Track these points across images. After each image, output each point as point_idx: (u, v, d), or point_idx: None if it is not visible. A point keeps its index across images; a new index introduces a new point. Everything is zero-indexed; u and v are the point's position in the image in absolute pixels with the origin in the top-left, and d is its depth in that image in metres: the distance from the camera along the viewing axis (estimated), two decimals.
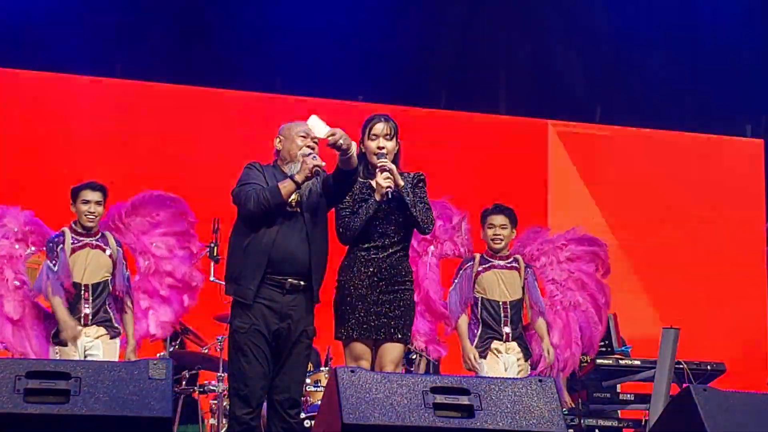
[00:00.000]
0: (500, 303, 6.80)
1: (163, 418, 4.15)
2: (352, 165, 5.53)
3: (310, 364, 8.31)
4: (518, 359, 6.75)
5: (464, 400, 4.43)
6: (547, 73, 11.35)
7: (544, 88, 11.35)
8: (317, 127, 5.57)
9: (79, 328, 6.61)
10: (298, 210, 5.54)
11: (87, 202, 6.75)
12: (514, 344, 6.77)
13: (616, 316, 8.34)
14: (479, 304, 6.82)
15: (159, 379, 4.20)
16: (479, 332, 6.77)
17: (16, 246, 6.86)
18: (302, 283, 5.50)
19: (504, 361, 6.73)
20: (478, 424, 4.38)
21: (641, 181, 11.20)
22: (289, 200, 5.49)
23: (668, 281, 10.87)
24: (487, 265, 6.88)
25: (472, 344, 6.77)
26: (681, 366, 7.84)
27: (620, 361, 8.13)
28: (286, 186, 5.44)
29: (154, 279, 7.06)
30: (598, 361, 8.01)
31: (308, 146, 5.59)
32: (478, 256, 6.94)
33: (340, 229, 5.70)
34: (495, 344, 6.75)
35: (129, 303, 6.84)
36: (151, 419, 4.13)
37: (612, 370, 8.10)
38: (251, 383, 5.38)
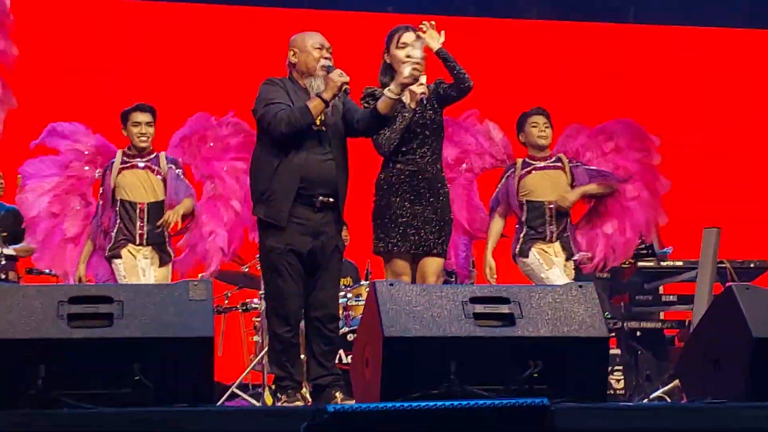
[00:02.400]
0: (545, 203, 6.75)
1: (205, 338, 4.18)
2: (389, 111, 5.48)
3: (350, 278, 8.40)
4: (563, 258, 6.72)
5: (504, 308, 4.43)
6: None
7: None
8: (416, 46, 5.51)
9: (133, 248, 6.65)
10: (323, 128, 5.51)
11: (138, 123, 6.76)
12: (557, 245, 6.74)
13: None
14: (524, 207, 6.78)
15: (200, 300, 4.22)
16: (522, 234, 6.74)
17: (86, 168, 6.92)
18: (331, 199, 5.49)
19: (550, 256, 6.70)
20: (519, 332, 4.39)
21: (681, 79, 11.04)
22: None
23: (710, 180, 10.76)
24: (529, 168, 6.84)
25: (515, 247, 6.74)
26: (724, 265, 7.79)
27: (662, 263, 8.10)
28: (315, 105, 5.38)
29: (220, 204, 7.05)
30: (640, 263, 7.99)
31: (325, 57, 5.53)
32: (520, 160, 6.90)
33: (377, 142, 5.68)
34: (537, 245, 6.72)
35: (188, 202, 6.86)
36: (194, 339, 4.16)
37: (654, 272, 8.07)
38: (289, 302, 5.40)
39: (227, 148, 7.10)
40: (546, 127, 6.84)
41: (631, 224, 7.06)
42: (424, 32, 5.75)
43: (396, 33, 5.77)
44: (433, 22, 5.81)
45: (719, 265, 7.70)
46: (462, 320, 4.35)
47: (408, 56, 5.54)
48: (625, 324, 7.87)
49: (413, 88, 5.59)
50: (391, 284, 4.41)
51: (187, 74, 9.98)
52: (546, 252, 6.69)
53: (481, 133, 7.10)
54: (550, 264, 6.61)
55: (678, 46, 11.17)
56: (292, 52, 5.60)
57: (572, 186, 6.83)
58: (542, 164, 6.84)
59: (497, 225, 6.83)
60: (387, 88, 5.47)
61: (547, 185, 6.79)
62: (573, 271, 6.78)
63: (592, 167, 6.94)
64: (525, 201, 6.77)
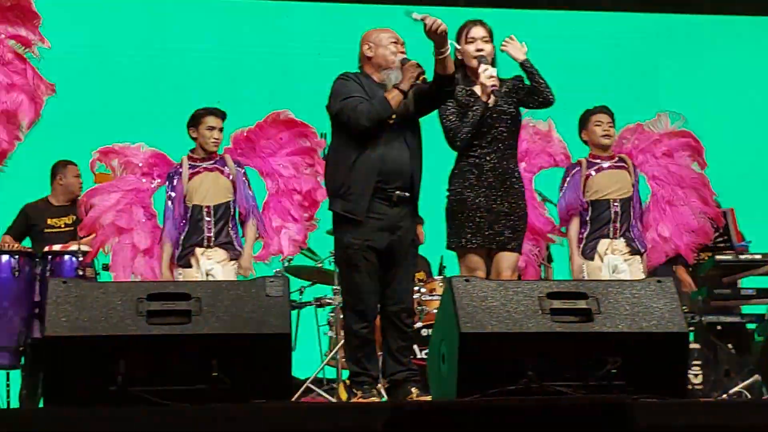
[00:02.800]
0: (610, 201, 6.71)
1: (282, 335, 4.20)
2: (448, 69, 5.45)
3: (423, 273, 8.40)
4: (625, 259, 6.67)
5: (582, 304, 4.38)
6: None
7: None
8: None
9: (200, 251, 6.70)
10: (399, 121, 5.51)
11: (212, 128, 6.82)
12: (620, 242, 6.68)
13: (732, 212, 8.18)
14: (589, 207, 6.74)
15: (276, 296, 4.24)
16: (586, 233, 6.71)
17: (143, 180, 7.00)
18: (407, 194, 5.49)
19: (608, 263, 6.65)
20: (597, 327, 4.34)
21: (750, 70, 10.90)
22: None
23: None
24: (594, 167, 6.79)
25: (579, 246, 6.71)
26: None
27: (740, 256, 7.98)
28: (394, 97, 5.41)
29: (285, 198, 7.11)
30: (717, 257, 7.88)
31: (401, 51, 5.55)
32: (583, 160, 6.86)
33: (450, 135, 5.66)
34: (601, 245, 6.67)
35: (253, 220, 6.90)
36: (271, 336, 4.18)
37: (732, 266, 7.95)
38: (366, 298, 5.41)
39: (281, 143, 7.16)
40: (610, 126, 6.79)
41: (687, 229, 7.04)
42: (507, 45, 5.72)
43: (465, 28, 5.76)
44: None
45: None
46: (539, 316, 4.32)
47: (486, 72, 5.55)
48: (702, 318, 7.77)
49: (485, 81, 5.57)
50: (467, 280, 4.38)
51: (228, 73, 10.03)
52: (603, 258, 6.65)
53: (539, 133, 7.09)
54: (611, 270, 6.58)
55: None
56: (367, 47, 5.62)
57: (634, 186, 6.79)
58: (607, 164, 6.80)
59: (575, 226, 6.79)
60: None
61: (613, 183, 6.75)
62: (641, 266, 6.72)
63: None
64: (590, 200, 6.74)
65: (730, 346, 7.91)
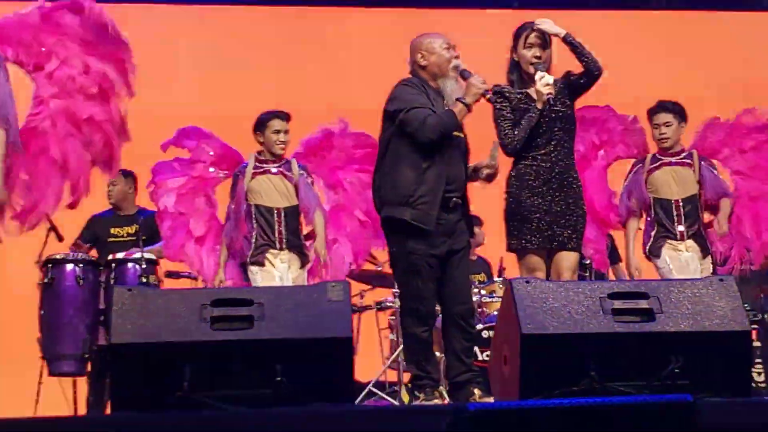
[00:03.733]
0: (672, 201, 6.68)
1: (343, 338, 4.22)
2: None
3: (483, 275, 8.40)
4: (697, 256, 6.63)
5: (643, 304, 4.38)
6: None
7: None
8: None
9: (274, 252, 6.74)
10: (460, 132, 5.57)
11: (278, 131, 6.88)
12: (690, 242, 6.65)
13: None
14: (652, 204, 6.71)
15: (337, 301, 4.27)
16: (654, 232, 6.69)
17: (210, 169, 7.08)
18: (460, 200, 5.52)
19: (683, 259, 6.61)
20: (659, 327, 4.33)
21: None
22: None
23: None
24: (657, 164, 6.77)
25: (646, 246, 6.69)
26: None
27: None
28: (460, 110, 5.46)
29: (344, 214, 7.15)
30: None
31: (455, 57, 5.56)
32: (649, 155, 6.84)
33: (505, 141, 5.66)
34: (669, 245, 6.64)
35: (320, 218, 6.94)
36: (332, 340, 4.21)
37: None
38: (426, 301, 5.43)
39: (352, 158, 7.19)
40: (667, 126, 6.75)
41: (765, 225, 6.95)
42: (543, 23, 5.70)
43: (523, 32, 5.74)
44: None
45: None
46: (600, 316, 4.32)
47: (542, 79, 5.56)
48: (766, 316, 7.69)
49: (540, 88, 5.57)
50: (528, 281, 4.40)
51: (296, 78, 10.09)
52: (679, 251, 6.61)
53: (619, 122, 7.06)
54: (681, 271, 6.52)
55: None
56: (420, 55, 5.62)
57: (699, 184, 6.73)
58: (669, 160, 6.76)
59: (634, 223, 6.79)
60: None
61: (673, 182, 6.71)
62: (711, 267, 6.68)
63: (723, 182, 6.79)
64: (653, 198, 6.70)
65: None
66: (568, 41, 5.63)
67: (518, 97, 5.70)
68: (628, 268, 6.75)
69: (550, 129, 5.68)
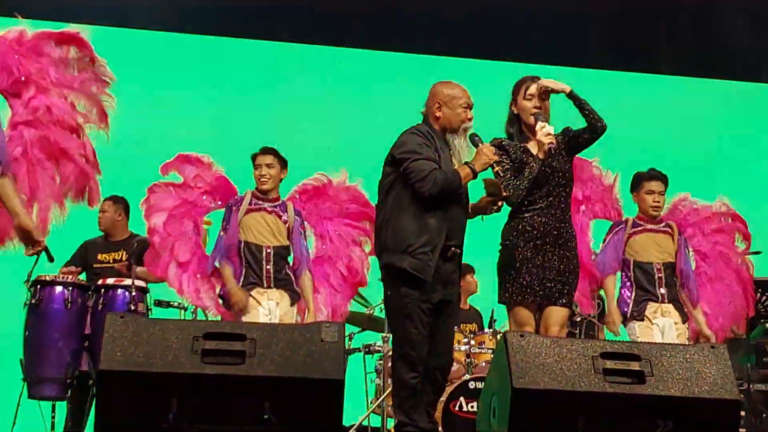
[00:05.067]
0: (653, 264, 6.71)
1: (335, 380, 4.21)
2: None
3: (474, 325, 8.39)
4: (675, 322, 6.65)
5: (635, 365, 4.38)
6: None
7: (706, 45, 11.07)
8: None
9: (261, 290, 6.73)
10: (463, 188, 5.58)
11: (259, 166, 6.91)
12: (670, 306, 6.67)
13: None
14: (632, 267, 6.74)
15: (331, 342, 4.25)
16: (634, 295, 6.70)
17: (204, 197, 7.07)
18: (458, 250, 5.53)
19: (660, 325, 6.63)
20: (649, 390, 4.33)
21: None
22: None
23: None
24: (639, 228, 6.81)
25: (627, 308, 6.71)
26: None
27: None
28: (467, 175, 5.46)
29: (328, 265, 7.16)
30: None
31: (469, 119, 5.57)
32: (630, 219, 6.87)
33: (509, 191, 5.66)
34: (650, 306, 6.66)
35: (308, 273, 6.95)
36: (324, 381, 4.19)
37: None
38: (419, 348, 5.40)
39: (344, 212, 7.20)
40: (661, 195, 6.80)
41: (722, 309, 7.04)
42: (546, 83, 5.73)
43: (523, 84, 5.77)
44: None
45: None
46: (592, 375, 4.32)
47: (543, 129, 5.59)
48: (752, 386, 7.71)
49: (542, 138, 5.59)
50: (522, 335, 4.39)
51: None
52: (663, 313, 6.62)
53: (603, 183, 7.10)
54: (662, 336, 6.57)
55: None
56: (436, 105, 5.61)
57: (676, 254, 6.77)
58: (652, 226, 6.80)
59: (612, 281, 6.79)
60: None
61: (655, 247, 6.74)
62: (687, 332, 6.70)
63: (689, 260, 6.88)
64: (633, 261, 6.73)
65: None
66: (573, 97, 5.66)
67: (518, 149, 5.72)
68: (609, 320, 6.75)
69: (548, 184, 5.68)
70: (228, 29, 10.33)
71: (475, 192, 5.74)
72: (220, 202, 7.09)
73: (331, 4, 10.48)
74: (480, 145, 5.53)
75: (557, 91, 5.67)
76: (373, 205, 6.96)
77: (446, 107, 5.59)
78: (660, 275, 6.70)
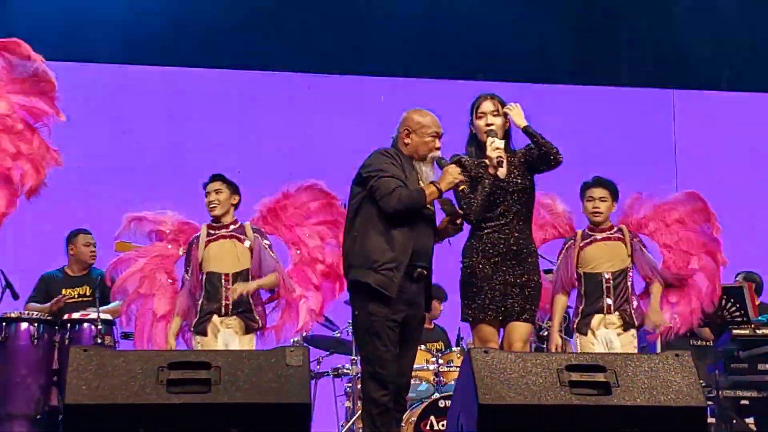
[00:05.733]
0: (603, 275, 6.74)
1: (302, 404, 4.21)
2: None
3: (441, 343, 8.40)
4: (618, 333, 6.68)
5: (600, 377, 4.40)
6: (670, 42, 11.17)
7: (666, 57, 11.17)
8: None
9: (217, 319, 6.74)
10: (430, 207, 5.61)
11: (207, 193, 6.92)
12: (613, 316, 6.70)
13: (750, 287, 8.18)
14: (582, 280, 6.77)
15: (297, 366, 4.25)
16: (581, 308, 6.75)
17: (169, 246, 7.07)
18: (425, 271, 5.56)
19: (602, 338, 6.67)
20: (616, 400, 4.34)
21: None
22: None
23: None
24: (588, 240, 6.84)
25: (574, 319, 6.75)
26: None
27: (757, 331, 7.97)
28: (432, 193, 5.48)
29: (307, 268, 7.17)
30: (735, 331, 7.88)
31: (437, 148, 5.62)
32: (580, 231, 6.92)
33: (465, 211, 5.69)
34: (595, 320, 6.70)
35: (272, 276, 6.94)
36: (291, 405, 4.19)
37: (749, 340, 7.94)
38: (387, 366, 5.41)
39: (308, 213, 7.22)
40: (602, 201, 6.82)
41: (696, 295, 7.05)
42: (508, 112, 5.75)
43: (476, 102, 5.81)
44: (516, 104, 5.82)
45: None
46: (557, 388, 4.33)
47: (492, 144, 5.62)
48: (720, 392, 7.74)
49: (490, 153, 5.61)
50: (486, 352, 4.41)
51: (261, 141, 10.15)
52: (607, 325, 6.67)
53: (544, 206, 7.13)
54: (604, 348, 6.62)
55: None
56: (405, 131, 5.64)
57: (631, 258, 6.80)
58: (601, 235, 6.84)
59: (561, 301, 6.84)
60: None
61: (605, 256, 6.79)
62: (635, 340, 6.73)
63: (651, 259, 6.92)
64: (584, 273, 6.77)
65: (750, 420, 7.86)
66: (529, 132, 5.68)
67: (476, 166, 5.74)
68: (549, 345, 6.78)
69: (507, 200, 5.70)
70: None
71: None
72: (186, 246, 7.08)
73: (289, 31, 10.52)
74: (446, 166, 5.57)
75: (515, 124, 5.70)
76: (333, 193, 7.01)
77: (415, 135, 5.62)
78: (608, 285, 6.73)
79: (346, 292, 6.86)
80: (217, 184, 6.93)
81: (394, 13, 10.51)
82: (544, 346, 7.48)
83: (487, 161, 5.65)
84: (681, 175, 10.78)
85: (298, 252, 7.22)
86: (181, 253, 7.07)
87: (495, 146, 5.61)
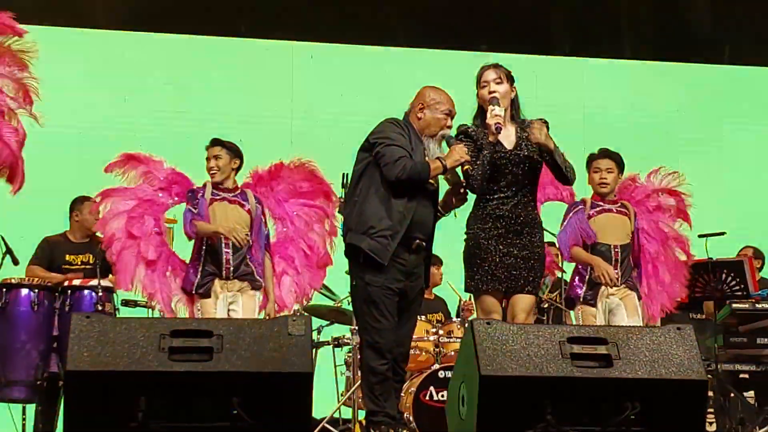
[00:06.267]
0: (611, 246, 6.74)
1: (303, 374, 4.20)
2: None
3: (441, 314, 8.40)
4: (621, 297, 6.68)
5: (602, 349, 4.40)
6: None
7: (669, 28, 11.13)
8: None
9: (219, 283, 6.72)
10: (433, 182, 5.62)
11: (208, 159, 6.91)
12: (623, 287, 6.71)
13: (751, 260, 8.19)
14: (590, 249, 6.76)
15: (299, 335, 4.25)
16: (588, 277, 6.73)
17: (160, 194, 7.03)
18: (424, 243, 5.55)
19: (604, 308, 6.67)
20: (617, 373, 4.35)
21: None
22: None
23: None
24: (598, 209, 6.82)
25: (581, 290, 6.72)
26: None
27: (757, 305, 7.98)
28: (436, 167, 5.52)
29: (291, 246, 7.17)
30: (734, 305, 7.89)
31: (448, 126, 5.64)
32: (587, 199, 6.89)
33: (468, 180, 5.68)
34: (602, 291, 6.69)
35: (267, 260, 6.95)
36: (292, 375, 4.18)
37: (748, 314, 7.95)
38: (385, 335, 5.44)
39: (298, 192, 7.21)
40: (609, 173, 6.81)
41: (662, 286, 7.10)
42: (535, 135, 5.70)
43: (479, 73, 5.79)
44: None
45: None
46: (559, 360, 4.33)
47: (491, 111, 5.59)
48: (719, 366, 7.75)
49: (489, 120, 5.58)
50: (489, 323, 4.40)
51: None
52: (612, 295, 6.67)
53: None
54: (613, 319, 6.63)
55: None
56: (419, 106, 5.68)
57: (633, 234, 6.81)
58: (610, 206, 6.83)
59: (581, 250, 6.77)
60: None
61: (614, 229, 6.78)
62: (637, 303, 6.75)
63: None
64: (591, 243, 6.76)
65: (750, 394, 7.88)
66: (547, 161, 5.67)
67: (484, 137, 5.71)
68: (602, 274, 6.69)
69: (513, 173, 5.68)
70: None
71: None
72: (177, 198, 7.06)
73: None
74: (455, 145, 5.56)
75: (541, 144, 5.66)
76: (328, 182, 7.00)
77: (429, 110, 5.66)
78: (617, 258, 6.72)
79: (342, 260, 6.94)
80: (216, 149, 6.91)
81: None
82: (544, 318, 7.47)
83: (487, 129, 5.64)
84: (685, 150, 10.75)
85: (285, 229, 7.21)
86: (170, 203, 7.03)
87: (495, 113, 5.59)
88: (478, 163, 5.59)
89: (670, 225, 7.29)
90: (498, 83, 5.70)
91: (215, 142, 6.94)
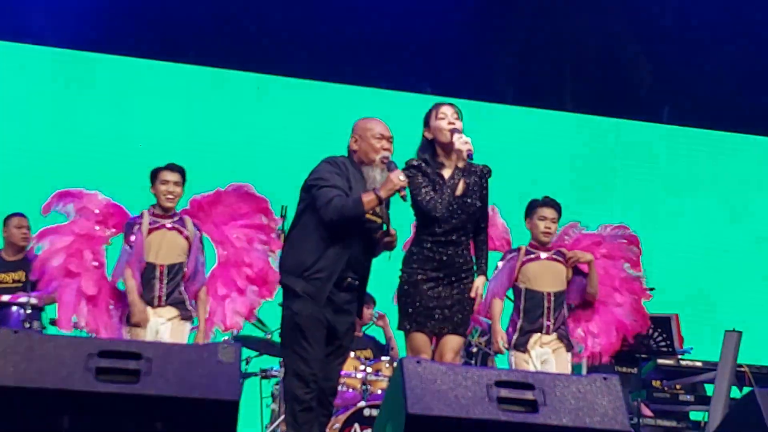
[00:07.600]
0: (544, 293, 6.81)
1: (231, 401, 4.18)
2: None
3: (370, 351, 8.41)
4: (552, 346, 6.74)
5: (528, 395, 4.41)
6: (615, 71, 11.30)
7: (611, 85, 11.29)
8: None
9: (150, 310, 6.70)
10: (373, 218, 5.62)
11: (166, 182, 6.86)
12: (553, 337, 6.77)
13: (677, 318, 8.29)
14: (522, 295, 6.82)
15: (228, 363, 4.23)
16: (520, 324, 6.78)
17: (96, 227, 6.97)
18: (357, 282, 5.57)
19: (537, 357, 6.72)
20: (542, 419, 4.36)
21: (704, 181, 11.13)
22: None
23: (731, 283, 10.78)
24: (532, 256, 6.89)
25: (512, 336, 6.77)
26: (742, 369, 7.78)
27: (681, 362, 8.08)
28: (370, 201, 5.47)
29: (233, 269, 7.14)
30: (659, 360, 7.97)
31: (385, 149, 5.61)
32: (523, 247, 6.96)
33: (430, 207, 5.65)
34: (533, 337, 6.75)
35: (200, 287, 6.92)
36: (220, 402, 4.16)
37: (673, 371, 8.05)
38: (312, 364, 5.43)
39: (237, 214, 7.20)
40: (553, 222, 6.90)
41: (617, 328, 7.15)
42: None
43: (434, 108, 5.83)
44: None
45: (738, 369, 7.69)
46: (486, 403, 4.34)
47: (460, 138, 5.63)
48: (641, 420, 7.83)
49: (460, 146, 5.62)
50: (419, 362, 4.41)
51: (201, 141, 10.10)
52: (544, 344, 6.72)
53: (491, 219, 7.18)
54: (544, 368, 6.67)
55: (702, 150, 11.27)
56: (353, 138, 5.68)
57: (568, 283, 6.88)
58: (546, 255, 6.90)
59: (499, 304, 6.84)
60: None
61: (548, 276, 6.84)
62: (570, 363, 6.80)
63: (584, 284, 7.01)
64: (524, 288, 6.81)
65: None
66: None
67: (432, 172, 5.74)
68: (494, 341, 6.78)
69: (456, 218, 5.72)
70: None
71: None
72: (114, 230, 7.01)
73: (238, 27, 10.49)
74: (391, 172, 5.56)
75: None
76: (265, 198, 6.99)
77: (361, 140, 5.66)
78: (549, 305, 6.79)
79: (273, 297, 6.93)
80: (177, 176, 6.90)
81: (346, 17, 10.53)
82: (472, 361, 7.50)
83: (453, 160, 5.66)
84: (620, 205, 10.88)
85: (225, 253, 7.20)
86: (107, 235, 6.99)
87: (464, 140, 5.63)
88: (437, 192, 5.62)
89: (621, 268, 7.32)
90: (456, 119, 5.75)
91: (177, 168, 6.90)
